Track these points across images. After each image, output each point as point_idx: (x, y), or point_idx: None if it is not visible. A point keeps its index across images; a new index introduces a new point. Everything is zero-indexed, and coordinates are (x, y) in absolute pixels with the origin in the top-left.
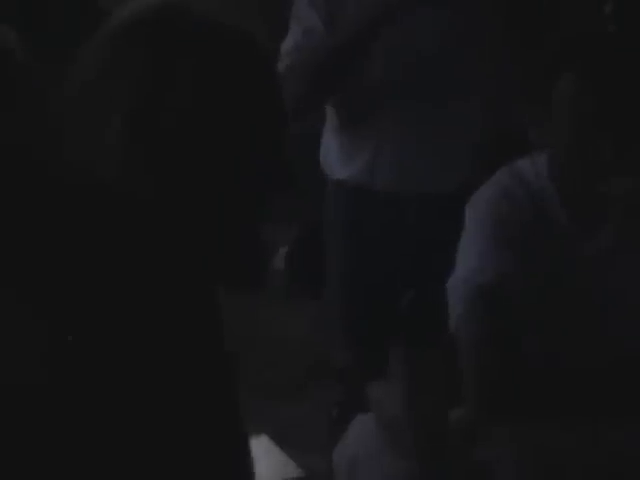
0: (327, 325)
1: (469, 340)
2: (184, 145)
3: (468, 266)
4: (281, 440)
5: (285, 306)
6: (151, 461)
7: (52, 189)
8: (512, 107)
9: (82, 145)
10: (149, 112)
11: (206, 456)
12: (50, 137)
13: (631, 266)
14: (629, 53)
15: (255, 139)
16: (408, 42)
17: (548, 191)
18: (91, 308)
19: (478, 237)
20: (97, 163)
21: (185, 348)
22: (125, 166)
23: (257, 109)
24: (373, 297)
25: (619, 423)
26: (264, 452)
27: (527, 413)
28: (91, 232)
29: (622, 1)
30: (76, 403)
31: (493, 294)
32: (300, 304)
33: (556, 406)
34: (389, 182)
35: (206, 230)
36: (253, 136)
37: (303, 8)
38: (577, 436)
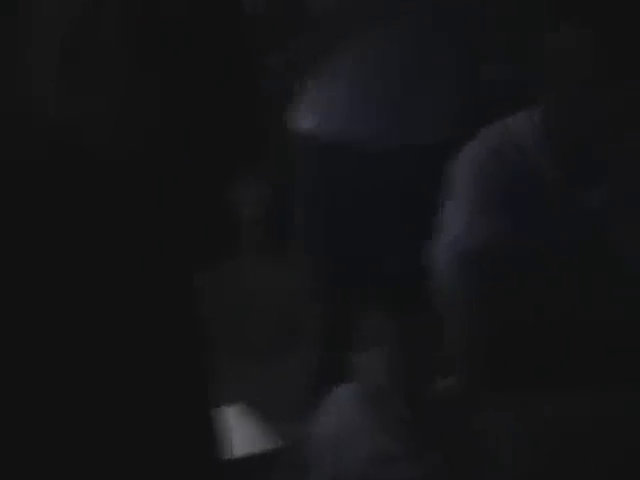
0: (307, 282)
1: (457, 306)
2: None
3: (455, 231)
4: (258, 408)
5: (265, 262)
6: (119, 431)
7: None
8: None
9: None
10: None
11: (176, 427)
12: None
13: (627, 220)
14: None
15: (221, 84)
16: None
17: (542, 146)
18: (67, 282)
19: (465, 200)
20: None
21: (153, 319)
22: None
23: (222, 46)
24: (352, 252)
25: (615, 389)
26: (239, 421)
27: (521, 380)
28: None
29: None
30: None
31: (481, 259)
32: (280, 259)
33: (549, 372)
34: (356, 133)
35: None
36: (217, 81)
37: None
38: (572, 403)
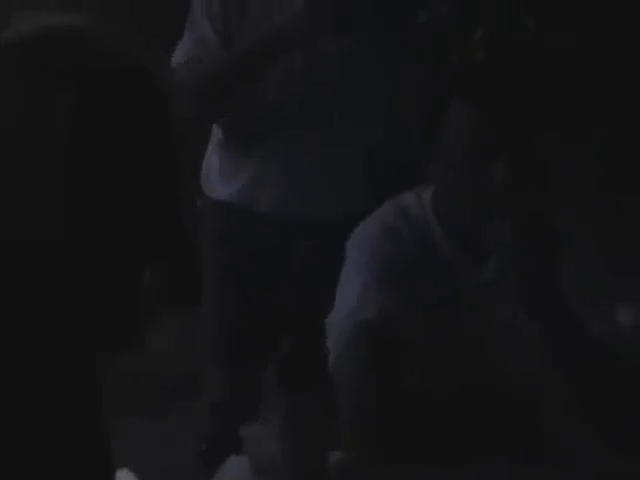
0: (201, 343)
1: (348, 379)
2: (63, 181)
3: (348, 303)
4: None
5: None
6: None
7: None
8: (407, 137)
9: None
10: (24, 142)
11: None
12: None
13: (510, 300)
14: (503, 77)
15: (144, 185)
16: (302, 64)
17: (432, 224)
18: None
19: (360, 275)
20: None
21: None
22: None
23: (148, 148)
24: (247, 319)
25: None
26: None
27: (408, 453)
28: None
29: (491, 28)
30: None
31: (374, 332)
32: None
33: (438, 446)
34: (267, 206)
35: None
36: (142, 175)
37: (198, 17)
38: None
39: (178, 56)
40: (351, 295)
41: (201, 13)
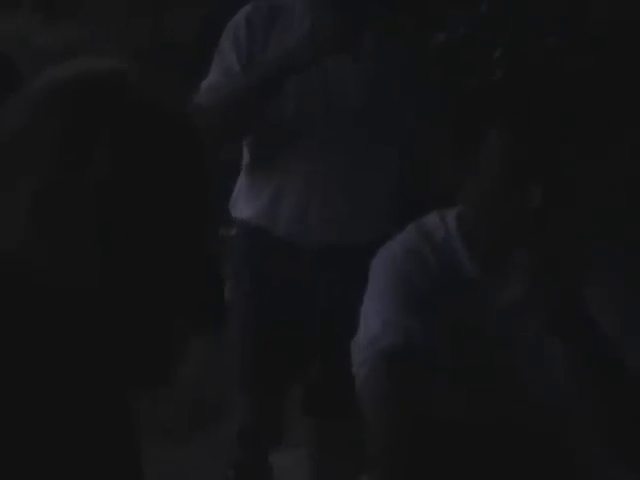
0: (227, 370)
1: (373, 405)
2: (97, 230)
3: (372, 328)
4: None
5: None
6: None
7: None
8: (432, 163)
9: None
10: (60, 189)
11: None
12: None
13: (542, 316)
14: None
15: (180, 227)
16: (323, 87)
17: (456, 246)
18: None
19: (383, 298)
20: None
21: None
22: (29, 249)
23: (183, 195)
24: (273, 346)
25: None
26: None
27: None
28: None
29: (510, 47)
30: None
31: (398, 357)
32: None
33: (467, 469)
34: (287, 228)
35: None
36: (177, 223)
37: (226, 46)
38: None
39: (205, 84)
40: (375, 321)
41: (228, 44)
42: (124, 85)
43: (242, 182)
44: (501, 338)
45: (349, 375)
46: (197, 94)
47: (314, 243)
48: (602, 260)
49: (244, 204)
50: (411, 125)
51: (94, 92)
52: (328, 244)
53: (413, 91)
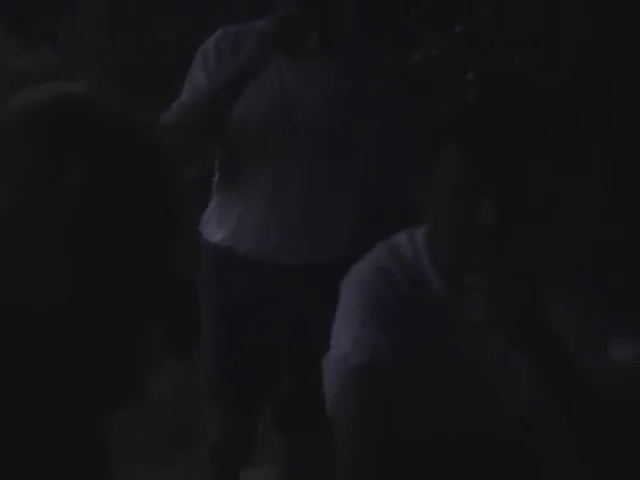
0: (198, 389)
1: (343, 423)
2: (65, 249)
3: (343, 346)
4: None
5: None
6: None
7: None
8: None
9: None
10: (30, 209)
11: None
12: None
13: (502, 337)
14: (491, 116)
15: (150, 251)
16: (283, 107)
17: (424, 264)
18: None
19: (353, 316)
20: None
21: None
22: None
23: (150, 213)
24: (242, 366)
25: None
26: None
27: None
28: None
29: (482, 70)
30: None
31: (368, 374)
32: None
33: None
34: (252, 247)
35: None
36: (145, 241)
37: (197, 68)
38: None
39: (175, 104)
40: (345, 338)
41: (199, 67)
42: (93, 109)
43: (213, 205)
44: (469, 354)
45: (319, 391)
46: (165, 112)
47: (278, 261)
48: (568, 275)
49: (214, 227)
50: (378, 143)
51: (65, 116)
52: (291, 262)
53: (380, 110)
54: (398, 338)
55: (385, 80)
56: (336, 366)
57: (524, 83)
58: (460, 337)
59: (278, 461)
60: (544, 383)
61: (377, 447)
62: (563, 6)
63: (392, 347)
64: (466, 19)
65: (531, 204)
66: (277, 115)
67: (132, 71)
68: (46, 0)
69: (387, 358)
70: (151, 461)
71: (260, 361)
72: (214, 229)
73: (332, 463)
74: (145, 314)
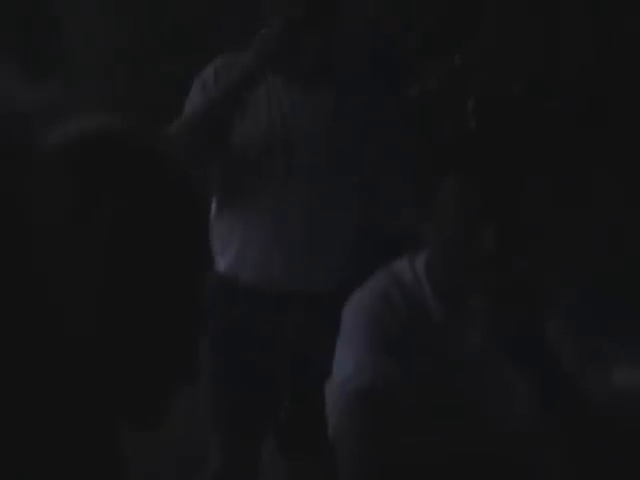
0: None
1: (346, 446)
2: (96, 280)
3: (345, 370)
4: None
5: None
6: None
7: None
8: (397, 205)
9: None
10: (64, 243)
11: None
12: None
13: (500, 362)
14: (493, 145)
15: (176, 285)
16: (282, 136)
17: (425, 290)
18: None
19: (355, 341)
20: None
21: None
22: None
23: (180, 255)
24: (242, 395)
25: None
26: None
27: None
28: None
29: (482, 98)
30: None
31: (370, 397)
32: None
33: None
34: (253, 275)
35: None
36: (174, 282)
37: (196, 90)
38: None
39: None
40: (347, 362)
41: (198, 90)
42: (127, 144)
43: (212, 232)
44: (469, 378)
45: (321, 415)
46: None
47: (280, 289)
48: (569, 293)
49: (215, 255)
50: (375, 168)
51: (98, 151)
52: (294, 289)
53: (377, 136)
54: (399, 363)
55: (382, 106)
56: (338, 390)
57: (525, 110)
58: (460, 362)
59: None
60: (544, 400)
61: (378, 470)
62: (563, 32)
63: (393, 371)
64: (466, 46)
65: (530, 233)
66: (276, 139)
67: (135, 104)
68: (50, 34)
69: (388, 381)
70: None
71: (261, 390)
72: (215, 257)
73: None
74: (169, 341)
